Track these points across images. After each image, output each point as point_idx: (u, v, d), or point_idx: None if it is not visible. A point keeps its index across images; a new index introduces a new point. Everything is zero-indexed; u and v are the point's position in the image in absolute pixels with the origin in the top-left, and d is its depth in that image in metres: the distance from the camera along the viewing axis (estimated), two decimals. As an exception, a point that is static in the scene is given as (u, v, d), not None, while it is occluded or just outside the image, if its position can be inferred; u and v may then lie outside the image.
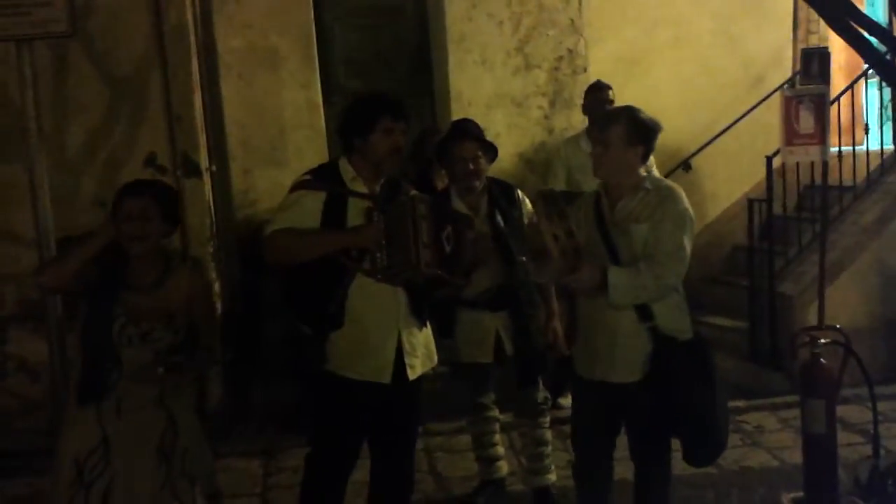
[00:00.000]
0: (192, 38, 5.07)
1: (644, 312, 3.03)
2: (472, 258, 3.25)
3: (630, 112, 3.08)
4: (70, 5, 3.80)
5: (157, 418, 2.91)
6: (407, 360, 3.15)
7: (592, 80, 5.60)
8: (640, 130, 3.05)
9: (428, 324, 3.32)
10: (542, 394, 3.88)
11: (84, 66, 4.88)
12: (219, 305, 5.09)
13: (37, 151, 3.84)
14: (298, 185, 3.15)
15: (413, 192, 3.19)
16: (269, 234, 3.09)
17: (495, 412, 4.04)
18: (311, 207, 3.07)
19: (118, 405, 2.85)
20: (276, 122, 5.86)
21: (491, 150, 3.80)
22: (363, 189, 3.14)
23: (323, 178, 3.16)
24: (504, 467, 4.10)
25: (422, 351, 3.24)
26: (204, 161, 5.12)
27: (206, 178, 5.15)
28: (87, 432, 2.83)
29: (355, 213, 3.09)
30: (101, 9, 4.80)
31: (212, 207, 5.20)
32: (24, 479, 4.42)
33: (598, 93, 5.25)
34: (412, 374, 3.17)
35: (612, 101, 5.12)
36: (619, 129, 3.04)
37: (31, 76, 3.83)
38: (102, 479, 2.82)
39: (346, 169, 3.16)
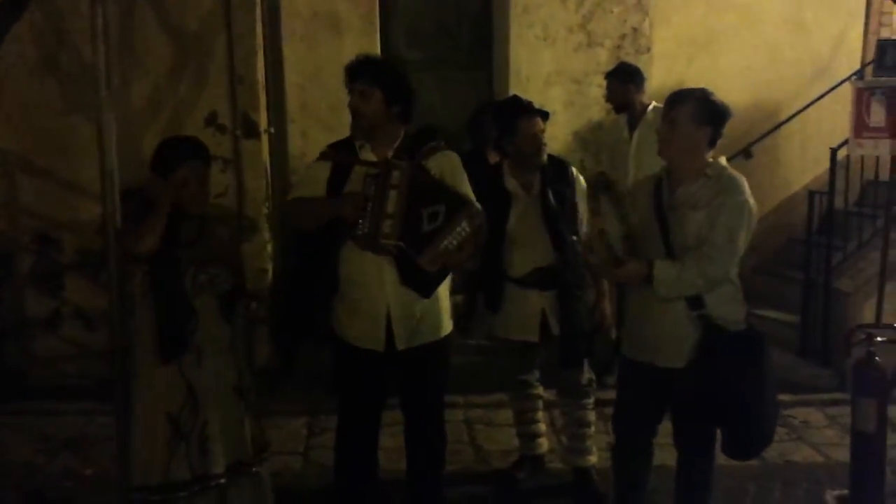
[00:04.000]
0: (258, -1, 5.10)
1: (695, 301, 2.99)
2: (453, 249, 2.96)
3: (701, 92, 3.03)
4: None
5: (230, 361, 3.07)
6: (395, 331, 3.13)
7: (656, 60, 5.51)
8: (709, 110, 2.99)
9: (439, 293, 3.20)
10: (586, 375, 3.87)
11: (151, 23, 4.94)
12: (271, 266, 5.16)
13: (106, 104, 3.88)
14: (318, 157, 3.24)
15: (398, 160, 3.05)
16: (284, 202, 3.16)
17: (538, 390, 4.05)
18: (319, 176, 3.16)
19: (199, 355, 2.98)
20: (336, 87, 5.81)
21: (545, 121, 3.81)
22: (372, 157, 3.14)
23: (339, 147, 3.24)
24: (545, 444, 4.11)
25: (418, 322, 3.16)
26: (263, 122, 5.17)
27: (265, 139, 5.20)
28: (175, 387, 2.95)
29: (357, 180, 3.07)
30: (171, -35, 4.86)
31: (268, 169, 5.26)
32: (77, 418, 4.63)
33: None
34: (400, 345, 3.15)
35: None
36: (687, 107, 2.98)
37: (102, 29, 3.86)
38: (197, 426, 2.97)
39: None
